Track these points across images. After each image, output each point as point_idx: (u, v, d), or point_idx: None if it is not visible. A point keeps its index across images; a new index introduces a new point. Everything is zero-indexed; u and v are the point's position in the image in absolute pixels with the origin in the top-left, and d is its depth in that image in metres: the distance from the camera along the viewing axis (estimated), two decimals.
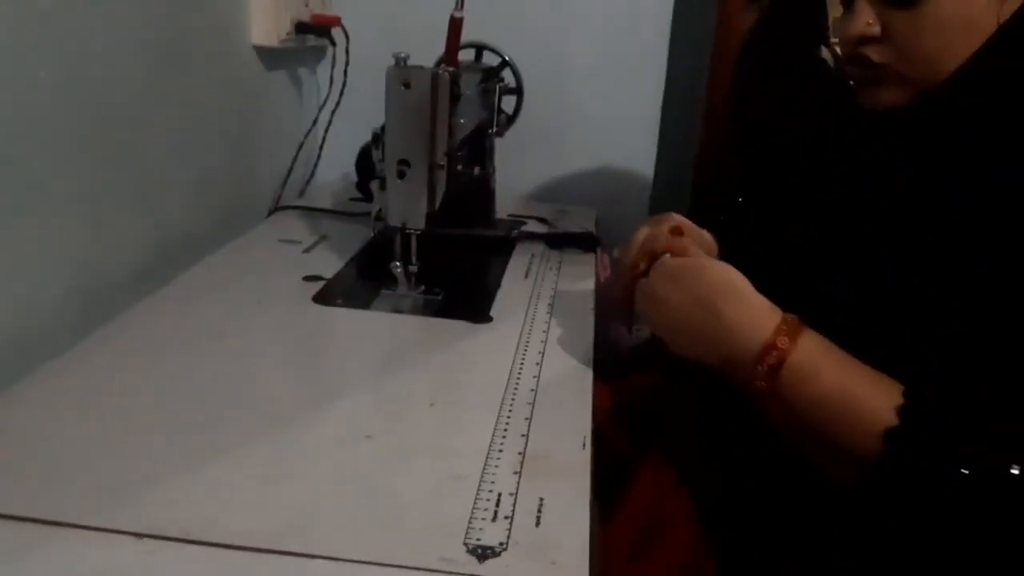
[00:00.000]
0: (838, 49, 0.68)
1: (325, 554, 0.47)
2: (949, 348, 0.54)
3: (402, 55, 0.78)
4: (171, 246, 0.92)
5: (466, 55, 1.13)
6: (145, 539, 0.47)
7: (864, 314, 0.62)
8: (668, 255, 0.68)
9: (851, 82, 0.67)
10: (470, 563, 0.47)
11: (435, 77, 0.79)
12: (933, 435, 0.52)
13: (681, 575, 0.68)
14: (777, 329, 0.59)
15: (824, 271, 0.68)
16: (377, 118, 0.82)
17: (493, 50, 1.16)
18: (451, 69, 0.83)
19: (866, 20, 0.62)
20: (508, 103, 1.18)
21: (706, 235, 0.78)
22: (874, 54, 0.63)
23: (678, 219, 0.75)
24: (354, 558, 0.47)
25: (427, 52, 0.89)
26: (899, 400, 0.54)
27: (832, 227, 0.70)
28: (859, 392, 0.55)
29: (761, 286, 0.64)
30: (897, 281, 0.60)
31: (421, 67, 0.79)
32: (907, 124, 0.64)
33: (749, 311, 0.61)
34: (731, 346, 0.60)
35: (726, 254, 0.85)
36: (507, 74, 1.16)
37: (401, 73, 0.78)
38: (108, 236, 0.81)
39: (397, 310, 0.85)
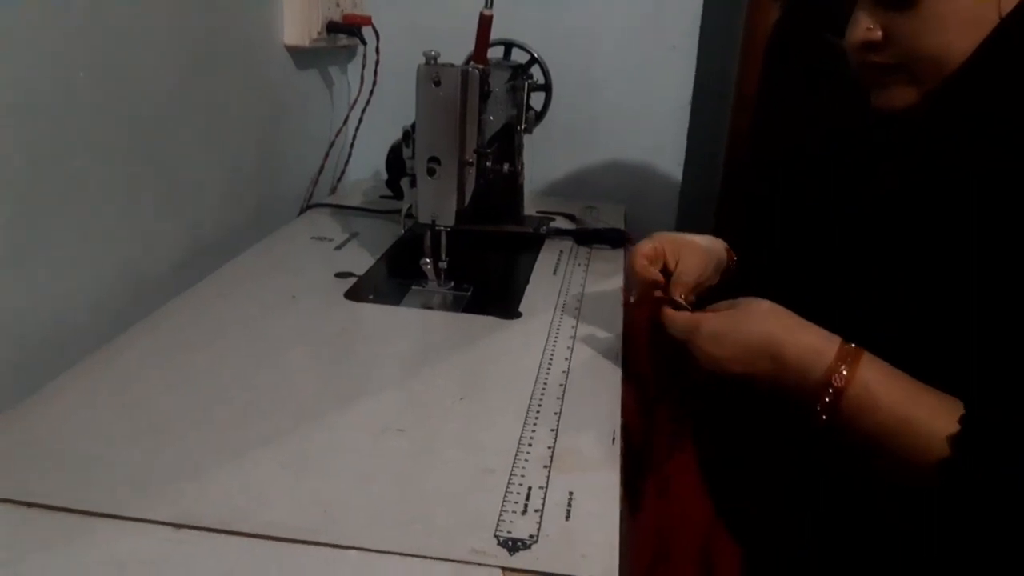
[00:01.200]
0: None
1: (358, 545, 0.48)
2: (999, 364, 0.53)
3: (432, 53, 0.79)
4: (205, 244, 0.94)
5: (495, 52, 1.13)
6: (183, 529, 0.48)
7: (905, 325, 0.61)
8: (706, 316, 0.67)
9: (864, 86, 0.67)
10: (501, 555, 0.47)
11: (465, 74, 0.80)
12: (993, 462, 0.51)
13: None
14: (836, 358, 0.58)
15: (858, 279, 0.68)
16: (407, 116, 0.82)
17: (522, 47, 1.16)
18: (481, 66, 0.83)
19: (866, 26, 0.62)
20: (537, 100, 1.19)
21: (692, 241, 0.79)
22: (879, 57, 0.63)
23: (647, 249, 0.76)
24: (386, 549, 0.47)
25: (457, 50, 0.89)
26: (958, 426, 0.53)
27: (861, 232, 0.69)
28: (919, 417, 0.54)
29: (794, 295, 0.63)
30: (935, 288, 0.59)
31: (451, 65, 0.80)
32: (921, 123, 0.64)
33: (807, 346, 0.59)
34: (796, 382, 0.59)
35: (753, 256, 0.85)
36: (536, 71, 1.17)
37: (431, 71, 0.79)
38: (143, 235, 0.82)
39: (427, 306, 0.86)
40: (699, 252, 0.79)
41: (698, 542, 0.69)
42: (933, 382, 0.56)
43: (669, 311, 0.70)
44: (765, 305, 0.63)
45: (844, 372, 0.57)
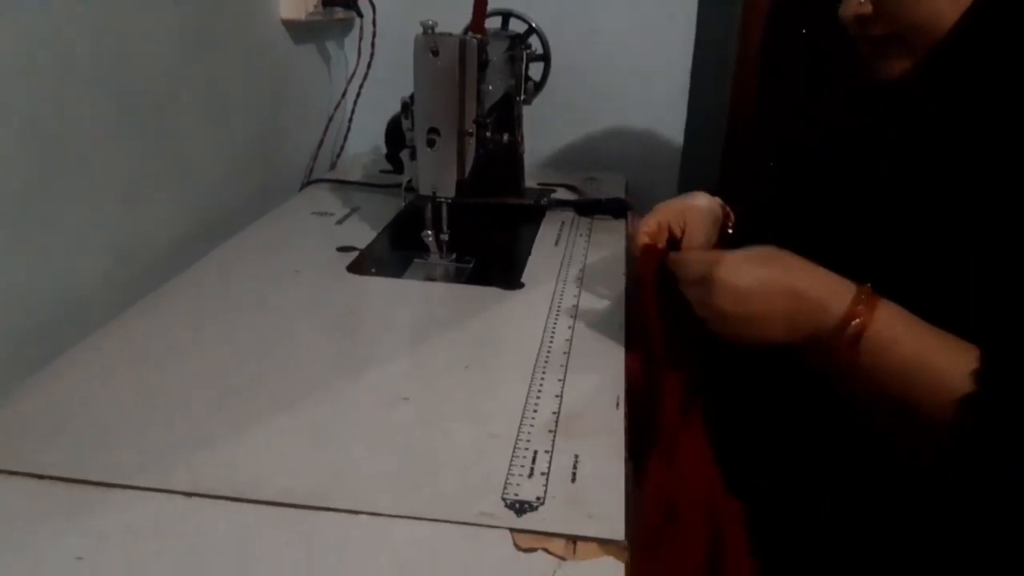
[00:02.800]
0: None
1: (368, 510, 0.48)
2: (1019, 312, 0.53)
3: (430, 23, 0.79)
4: (207, 220, 0.94)
5: (492, 23, 1.13)
6: (195, 498, 0.49)
7: (919, 280, 0.61)
8: (726, 253, 0.65)
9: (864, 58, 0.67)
10: (508, 517, 0.48)
11: (463, 44, 0.79)
12: (1012, 402, 0.51)
13: (707, 550, 0.68)
14: (854, 299, 0.58)
15: (868, 242, 0.68)
16: (405, 89, 0.82)
17: (520, 16, 1.15)
18: (479, 36, 0.83)
19: (857, 1, 0.62)
20: (535, 70, 1.18)
21: (694, 206, 0.80)
22: (874, 29, 0.63)
23: (650, 227, 0.77)
24: (396, 513, 0.48)
25: (454, 21, 0.89)
26: (977, 366, 0.53)
27: (869, 197, 0.69)
28: (938, 359, 0.54)
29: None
30: (951, 246, 0.59)
31: (449, 34, 0.79)
32: (913, 91, 0.64)
33: (826, 285, 0.59)
34: (815, 322, 0.59)
35: (758, 221, 0.85)
36: (534, 41, 1.16)
37: (429, 40, 0.79)
38: (146, 212, 0.83)
39: (430, 278, 0.87)
40: (701, 215, 0.79)
41: (706, 506, 0.70)
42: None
43: (686, 253, 0.70)
44: (784, 252, 0.63)
45: (864, 308, 0.57)
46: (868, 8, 0.62)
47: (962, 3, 0.58)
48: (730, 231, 0.84)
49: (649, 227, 0.77)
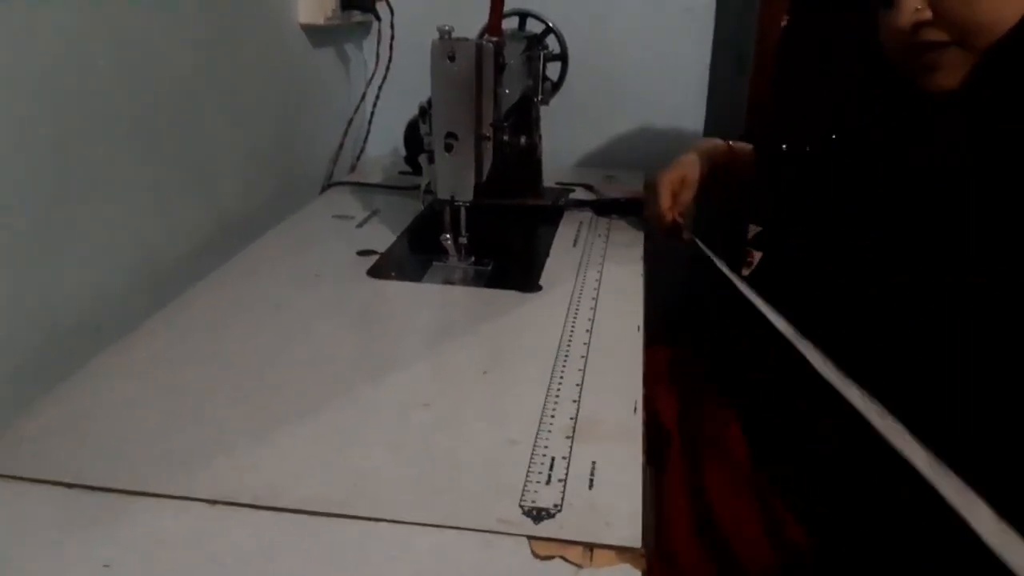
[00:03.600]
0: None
1: (388, 517, 0.49)
2: None
3: (446, 28, 0.79)
4: (229, 225, 0.95)
5: (509, 23, 1.13)
6: (218, 505, 0.50)
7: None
8: None
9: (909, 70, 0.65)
10: (526, 524, 0.48)
11: (479, 49, 0.79)
12: None
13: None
14: None
15: (892, 239, 0.67)
16: (423, 91, 0.82)
17: (536, 16, 1.15)
18: (495, 39, 0.83)
19: (914, 7, 0.61)
20: (553, 70, 1.18)
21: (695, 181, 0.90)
22: (933, 34, 0.61)
23: (669, 199, 0.88)
24: (415, 520, 0.49)
25: (471, 21, 0.89)
26: None
27: (891, 206, 0.68)
28: None
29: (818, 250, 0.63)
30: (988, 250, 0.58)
31: (465, 39, 0.79)
32: (964, 94, 0.63)
33: None
34: None
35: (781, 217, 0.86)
36: (551, 40, 1.16)
37: (445, 46, 0.79)
38: (169, 218, 0.84)
39: (448, 282, 0.87)
40: (694, 177, 0.93)
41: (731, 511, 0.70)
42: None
43: None
44: None
45: None
46: (927, 14, 0.61)
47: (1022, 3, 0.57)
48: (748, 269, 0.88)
49: (668, 203, 0.87)
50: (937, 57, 0.63)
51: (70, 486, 0.51)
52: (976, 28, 0.60)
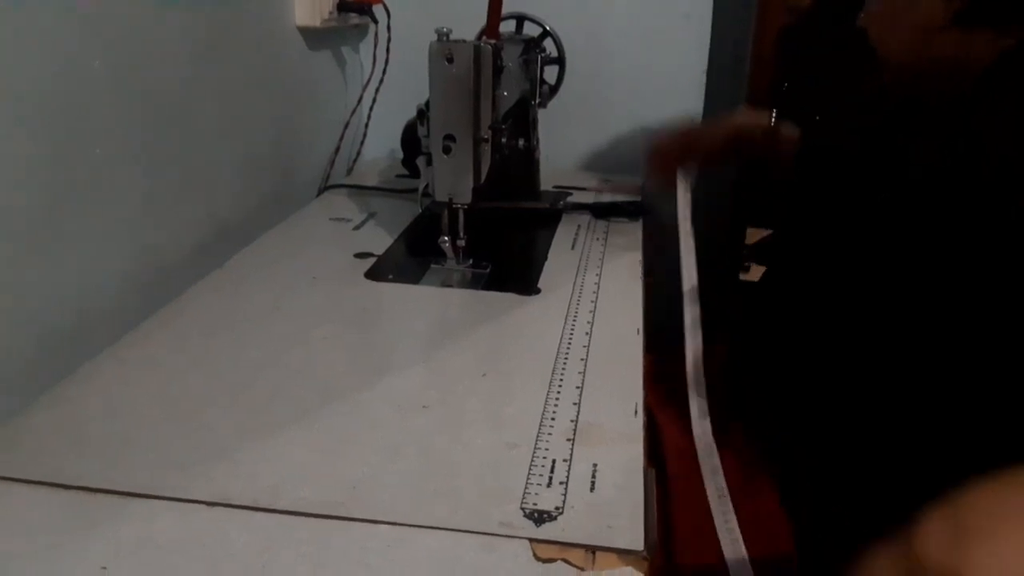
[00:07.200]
0: None
1: (388, 519, 0.49)
2: None
3: (444, 30, 0.79)
4: (225, 228, 0.95)
5: (506, 26, 1.13)
6: (216, 507, 0.49)
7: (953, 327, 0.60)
8: None
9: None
10: (528, 527, 0.48)
11: (477, 50, 0.79)
12: None
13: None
14: None
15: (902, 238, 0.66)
16: (421, 94, 0.82)
17: (534, 20, 1.15)
18: (493, 42, 0.83)
19: None
20: (550, 73, 1.18)
21: None
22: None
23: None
24: (415, 523, 0.48)
25: (468, 24, 0.89)
26: None
27: (896, 215, 0.68)
28: None
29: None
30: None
31: (463, 41, 0.79)
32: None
33: None
34: None
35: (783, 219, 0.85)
36: (548, 43, 1.16)
37: (443, 48, 0.79)
38: (164, 221, 0.83)
39: (446, 284, 0.87)
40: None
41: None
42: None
43: None
44: None
45: None
46: None
47: None
48: None
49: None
50: (975, 20, 0.60)
51: (65, 487, 0.50)
52: None
